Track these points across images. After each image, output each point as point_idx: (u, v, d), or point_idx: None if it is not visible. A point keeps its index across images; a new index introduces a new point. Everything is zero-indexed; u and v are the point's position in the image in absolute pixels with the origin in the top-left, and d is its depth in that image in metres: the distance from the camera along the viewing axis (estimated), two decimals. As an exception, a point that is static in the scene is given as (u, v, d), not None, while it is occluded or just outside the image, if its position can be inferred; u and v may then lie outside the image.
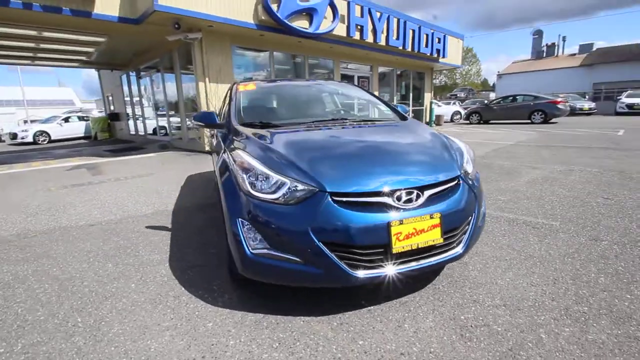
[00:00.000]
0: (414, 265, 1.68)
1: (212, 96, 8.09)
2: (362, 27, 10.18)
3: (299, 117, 2.64)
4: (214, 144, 3.57)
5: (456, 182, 1.86)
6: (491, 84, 53.19)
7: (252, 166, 1.79)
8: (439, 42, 13.73)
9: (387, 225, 1.59)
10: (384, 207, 1.63)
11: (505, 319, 1.69)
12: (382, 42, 11.10)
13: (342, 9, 9.48)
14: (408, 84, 15.45)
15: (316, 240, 1.57)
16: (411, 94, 15.54)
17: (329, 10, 9.09)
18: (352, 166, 1.77)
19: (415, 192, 1.69)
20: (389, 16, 11.05)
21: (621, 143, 7.60)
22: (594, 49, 34.18)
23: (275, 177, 1.71)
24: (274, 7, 7.90)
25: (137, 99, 12.68)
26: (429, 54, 13.38)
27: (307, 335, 1.63)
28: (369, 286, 1.98)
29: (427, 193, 1.72)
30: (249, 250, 1.69)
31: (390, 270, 1.63)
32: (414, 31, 12.23)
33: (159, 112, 11.31)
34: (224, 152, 2.27)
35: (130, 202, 4.36)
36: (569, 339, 1.53)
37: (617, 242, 2.51)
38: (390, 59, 12.81)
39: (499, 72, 38.33)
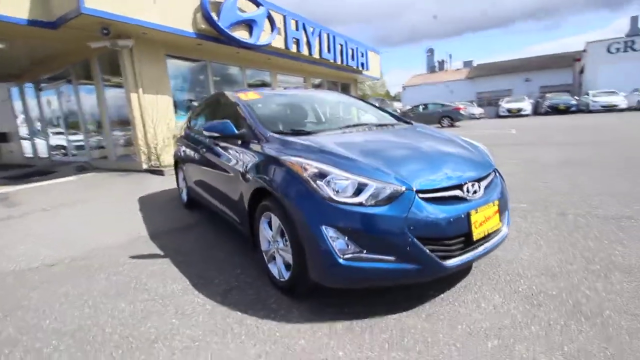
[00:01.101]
0: (482, 250, 1.86)
1: (151, 109, 7.32)
2: (297, 40, 10.46)
3: (322, 123, 2.63)
4: (195, 155, 3.30)
5: (495, 173, 2.12)
6: (392, 95, 59.23)
7: (327, 171, 1.76)
8: (362, 56, 14.87)
9: (468, 215, 1.75)
10: (459, 200, 1.78)
11: (551, 284, 1.99)
12: (316, 55, 11.56)
13: (279, 22, 9.61)
14: (337, 95, 16.28)
15: (412, 237, 1.63)
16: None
17: (267, 22, 9.12)
18: (423, 165, 1.88)
19: (476, 184, 1.88)
20: (320, 31, 11.58)
21: (519, 139, 9.33)
22: (474, 64, 40.94)
23: (357, 179, 1.71)
24: (214, 16, 7.60)
25: (38, 115, 10.62)
26: (355, 67, 14.38)
27: (408, 330, 1.67)
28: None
29: (483, 184, 1.93)
30: (339, 257, 1.66)
31: (470, 256, 1.78)
32: (341, 45, 13.03)
33: (70, 130, 9.67)
34: (259, 163, 2.15)
35: (85, 233, 3.69)
36: (606, 289, 1.89)
37: (578, 214, 3.14)
38: (322, 71, 13.38)
39: (403, 84, 42.99)
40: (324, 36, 11.89)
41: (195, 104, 8.66)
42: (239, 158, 2.46)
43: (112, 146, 8.35)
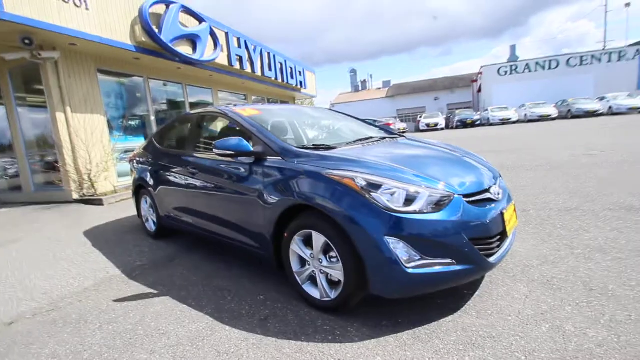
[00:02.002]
0: (509, 244, 2.07)
1: (82, 130, 6.40)
2: (240, 57, 10.32)
3: (333, 137, 2.65)
4: (178, 178, 3.07)
5: (500, 177, 2.40)
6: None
7: (380, 182, 1.79)
8: (300, 74, 15.28)
9: (502, 215, 1.94)
10: (491, 201, 1.97)
11: (556, 270, 2.29)
12: (258, 73, 11.52)
13: (221, 38, 9.38)
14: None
15: (466, 239, 1.75)
16: (281, 121, 16.47)
17: (210, 39, 8.83)
18: (455, 171, 2.04)
19: (496, 187, 2.11)
20: (261, 49, 11.62)
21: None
22: (392, 84, 45.09)
23: (408, 188, 1.78)
24: (155, 29, 7.09)
25: None
26: (294, 85, 14.68)
27: (470, 329, 1.76)
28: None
29: (498, 187, 2.17)
30: (405, 266, 1.68)
31: (504, 251, 1.97)
32: (281, 64, 13.23)
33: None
34: (290, 179, 2.08)
35: (35, 279, 3.06)
36: (598, 267, 2.25)
37: (537, 209, 3.67)
38: (262, 88, 13.34)
39: (332, 102, 45.12)
40: (265, 54, 11.95)
41: (133, 123, 7.88)
42: (254, 177, 2.33)
43: (29, 174, 7.02)
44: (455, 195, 1.81)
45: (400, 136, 3.15)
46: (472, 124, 24.44)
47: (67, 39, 5.81)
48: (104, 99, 7.17)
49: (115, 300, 2.51)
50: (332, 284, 1.99)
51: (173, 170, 3.29)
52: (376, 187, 1.79)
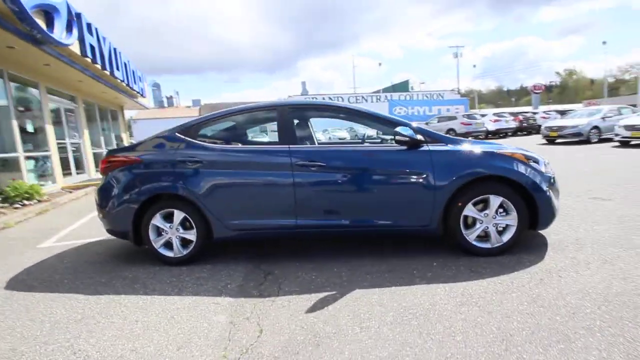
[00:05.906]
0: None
1: None
2: (94, 47, 8.11)
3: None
4: (272, 175, 2.87)
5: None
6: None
7: (529, 155, 2.80)
8: (140, 80, 13.14)
9: (547, 177, 3.39)
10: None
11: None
12: (107, 71, 9.27)
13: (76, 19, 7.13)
14: (107, 123, 13.13)
15: (555, 186, 3.05)
16: (113, 134, 13.35)
17: (66, 17, 6.59)
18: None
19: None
20: (110, 43, 9.43)
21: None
22: (203, 103, 44.21)
23: (539, 158, 2.88)
24: (9, -14, 4.78)
25: None
26: (137, 91, 12.48)
27: (573, 250, 3.02)
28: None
29: None
30: (555, 206, 2.77)
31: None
32: (126, 65, 11.06)
33: None
34: (466, 158, 2.73)
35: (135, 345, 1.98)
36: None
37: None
38: (96, 91, 10.73)
39: (132, 117, 39.25)
40: (112, 50, 9.72)
41: None
42: (420, 162, 2.73)
43: None
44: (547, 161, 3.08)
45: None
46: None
47: None
48: None
49: (307, 312, 2.16)
50: (499, 233, 2.78)
51: (262, 168, 2.89)
52: (530, 158, 2.79)
